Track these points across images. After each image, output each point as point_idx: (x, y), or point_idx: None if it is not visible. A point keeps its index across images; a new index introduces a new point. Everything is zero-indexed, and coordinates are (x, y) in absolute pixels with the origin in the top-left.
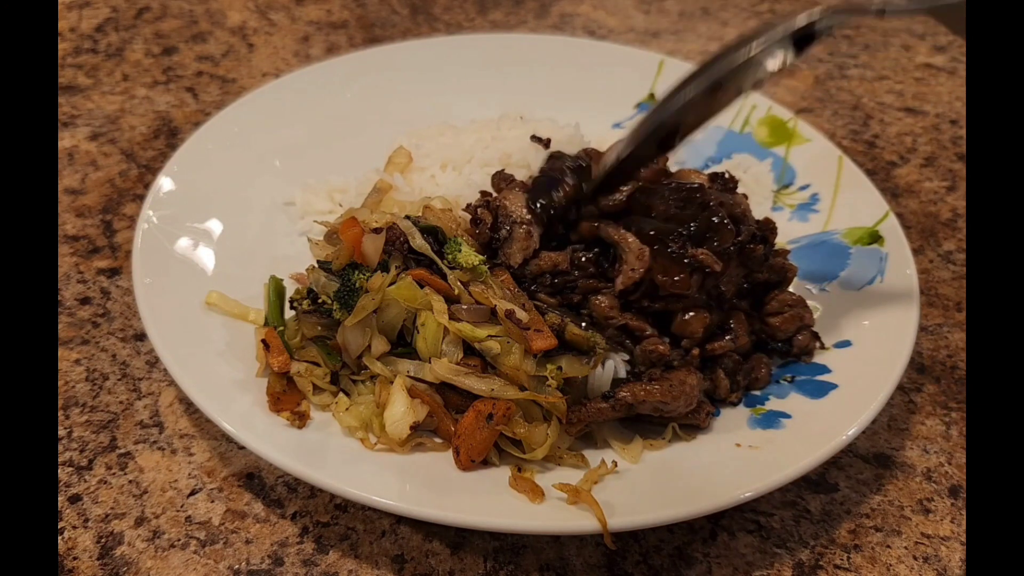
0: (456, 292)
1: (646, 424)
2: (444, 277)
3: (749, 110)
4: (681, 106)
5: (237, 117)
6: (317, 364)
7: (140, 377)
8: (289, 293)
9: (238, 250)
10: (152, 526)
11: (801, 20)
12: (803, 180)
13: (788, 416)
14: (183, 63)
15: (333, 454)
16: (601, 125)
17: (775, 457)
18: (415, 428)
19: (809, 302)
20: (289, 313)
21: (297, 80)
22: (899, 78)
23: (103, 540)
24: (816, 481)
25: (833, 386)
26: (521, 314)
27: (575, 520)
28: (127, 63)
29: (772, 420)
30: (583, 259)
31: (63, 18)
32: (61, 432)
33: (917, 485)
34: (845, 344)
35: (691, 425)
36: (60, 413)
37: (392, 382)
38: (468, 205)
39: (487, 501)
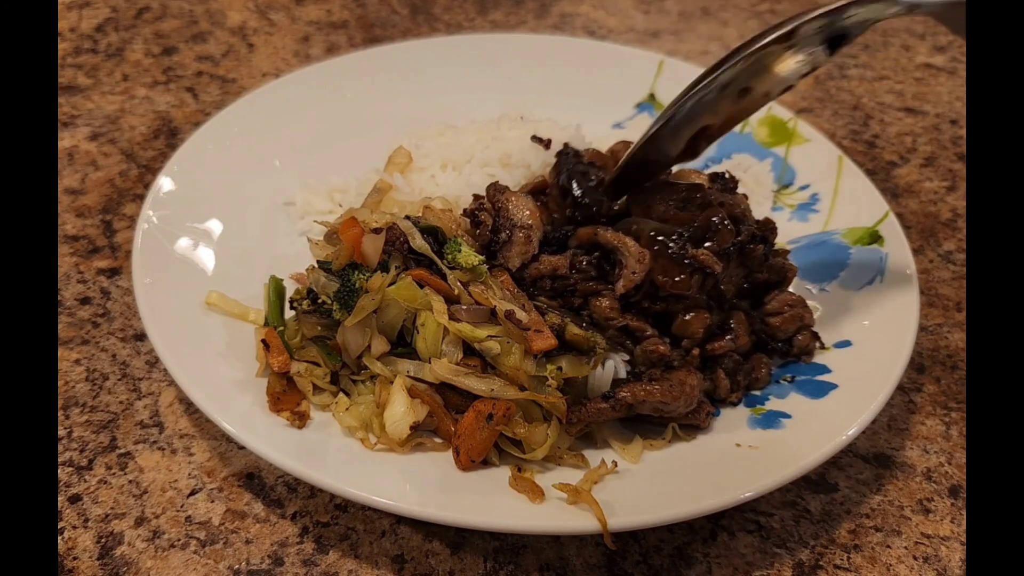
0: (456, 292)
1: (646, 424)
2: (444, 277)
3: None
4: (706, 107)
5: (237, 117)
6: (317, 364)
7: (140, 377)
8: (289, 293)
9: (238, 250)
10: (152, 526)
11: (832, 14)
12: (803, 180)
13: (788, 416)
14: (183, 63)
15: (333, 454)
16: (601, 125)
17: (775, 457)
18: (415, 428)
19: (809, 302)
20: (289, 313)
21: (297, 80)
22: (899, 78)
23: (103, 540)
24: (816, 481)
25: (833, 386)
26: (521, 314)
27: (575, 520)
28: (127, 63)
29: (772, 420)
30: (583, 263)
31: (63, 18)
32: (61, 432)
33: (917, 485)
34: (845, 344)
35: (691, 425)
36: (60, 413)
37: (392, 382)
38: (465, 210)
39: (487, 501)
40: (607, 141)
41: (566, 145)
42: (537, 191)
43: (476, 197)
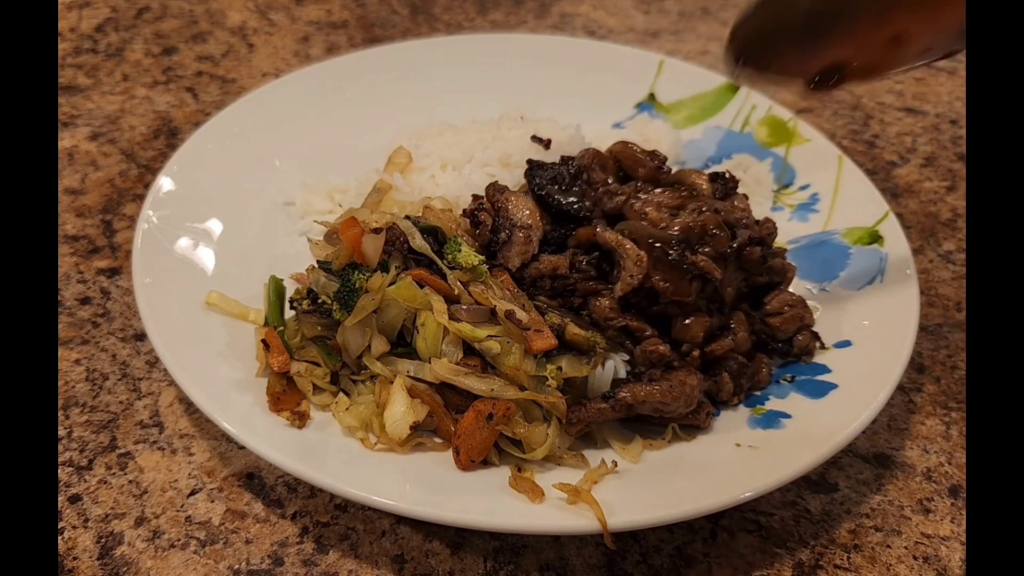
0: (456, 292)
1: (646, 424)
2: (444, 277)
3: (749, 110)
4: None
5: (237, 117)
6: (317, 364)
7: (140, 377)
8: (289, 293)
9: (238, 250)
10: (152, 526)
11: None
12: (803, 180)
13: (788, 416)
14: (183, 63)
15: (333, 454)
16: (601, 125)
17: (775, 457)
18: (415, 428)
19: (809, 302)
20: (289, 313)
21: (297, 80)
22: (899, 78)
23: (103, 540)
24: (816, 481)
25: (833, 386)
26: (521, 314)
27: (575, 520)
28: (127, 63)
29: (772, 420)
30: (583, 263)
31: (63, 18)
32: (61, 432)
33: (917, 485)
34: (845, 344)
35: (691, 425)
36: (60, 413)
37: (392, 382)
38: (465, 210)
39: (487, 501)
40: (607, 141)
41: (529, 162)
42: None
43: (475, 197)
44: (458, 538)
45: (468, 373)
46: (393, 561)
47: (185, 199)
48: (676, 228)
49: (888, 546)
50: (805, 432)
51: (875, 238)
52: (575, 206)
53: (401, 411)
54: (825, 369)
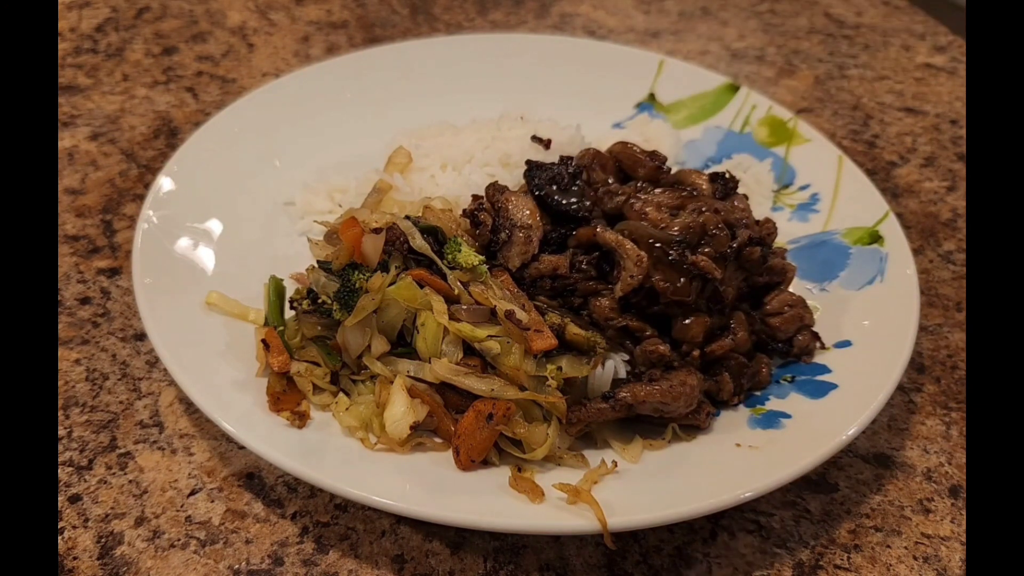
0: (456, 292)
1: (646, 424)
2: (444, 277)
3: (749, 110)
4: None
5: (237, 117)
6: (317, 364)
7: (140, 377)
8: (289, 293)
9: (238, 250)
10: (152, 526)
11: None
12: (803, 180)
13: (788, 416)
14: (183, 63)
15: (333, 454)
16: (601, 125)
17: (775, 457)
18: (415, 428)
19: (809, 302)
20: (289, 313)
21: (297, 80)
22: (899, 78)
23: (103, 540)
24: (816, 481)
25: (833, 386)
26: (521, 314)
27: (575, 520)
28: (127, 63)
29: (772, 420)
30: (583, 263)
31: (63, 18)
32: (61, 432)
33: (917, 485)
34: (845, 344)
35: (691, 425)
36: (60, 413)
37: (392, 382)
38: (465, 210)
39: (487, 501)
40: (607, 141)
41: (527, 163)
42: None
43: (475, 197)
44: (458, 538)
45: (468, 373)
46: (393, 561)
47: (185, 199)
48: (676, 228)
49: (888, 546)
50: (805, 432)
51: (875, 238)
52: (574, 206)
53: (401, 411)
54: (825, 369)
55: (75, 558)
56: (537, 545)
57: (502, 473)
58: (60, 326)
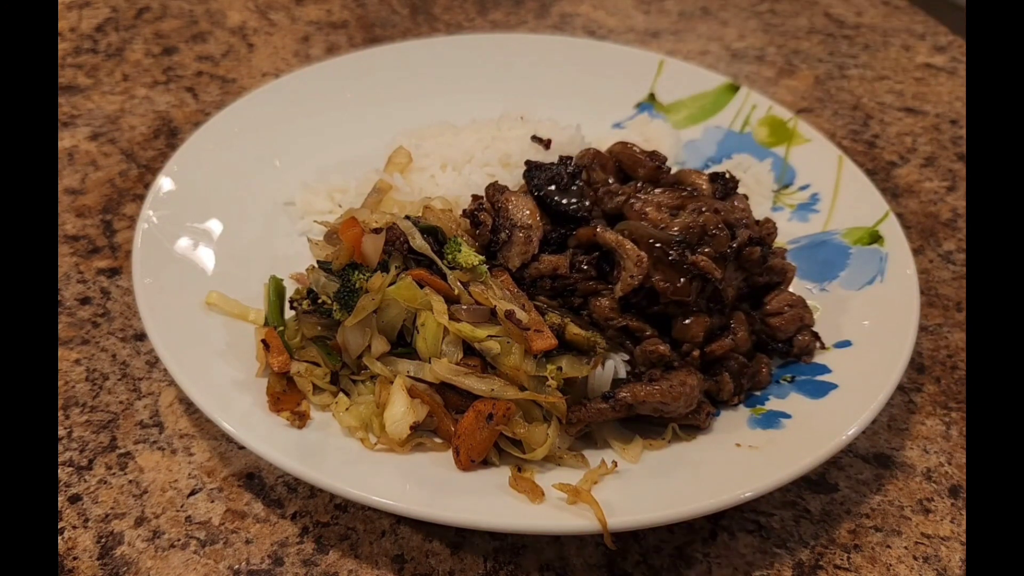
0: (456, 292)
1: (646, 424)
2: (444, 277)
3: (749, 110)
4: None
5: (237, 117)
6: (317, 364)
7: (140, 377)
8: (289, 293)
9: (238, 250)
10: (152, 526)
11: None
12: (803, 180)
13: (788, 416)
14: (183, 63)
15: (333, 454)
16: (601, 125)
17: (775, 457)
18: (415, 428)
19: (809, 302)
20: (289, 313)
21: (297, 80)
22: (899, 78)
23: (103, 540)
24: (816, 481)
25: (833, 386)
26: (521, 314)
27: (575, 520)
28: (127, 63)
29: (772, 420)
30: (583, 263)
31: (63, 18)
32: (61, 432)
33: (917, 485)
34: (845, 344)
35: (691, 425)
36: (60, 413)
37: (392, 382)
38: (465, 210)
39: (487, 501)
40: (607, 141)
41: (527, 163)
42: None
43: (475, 197)
44: (458, 538)
45: (468, 373)
46: (393, 561)
47: (185, 199)
48: (676, 228)
49: (888, 546)
50: (805, 432)
51: (875, 238)
52: (573, 206)
53: (401, 411)
54: (825, 369)
55: (75, 558)
56: (537, 545)
57: (502, 473)
58: (60, 326)
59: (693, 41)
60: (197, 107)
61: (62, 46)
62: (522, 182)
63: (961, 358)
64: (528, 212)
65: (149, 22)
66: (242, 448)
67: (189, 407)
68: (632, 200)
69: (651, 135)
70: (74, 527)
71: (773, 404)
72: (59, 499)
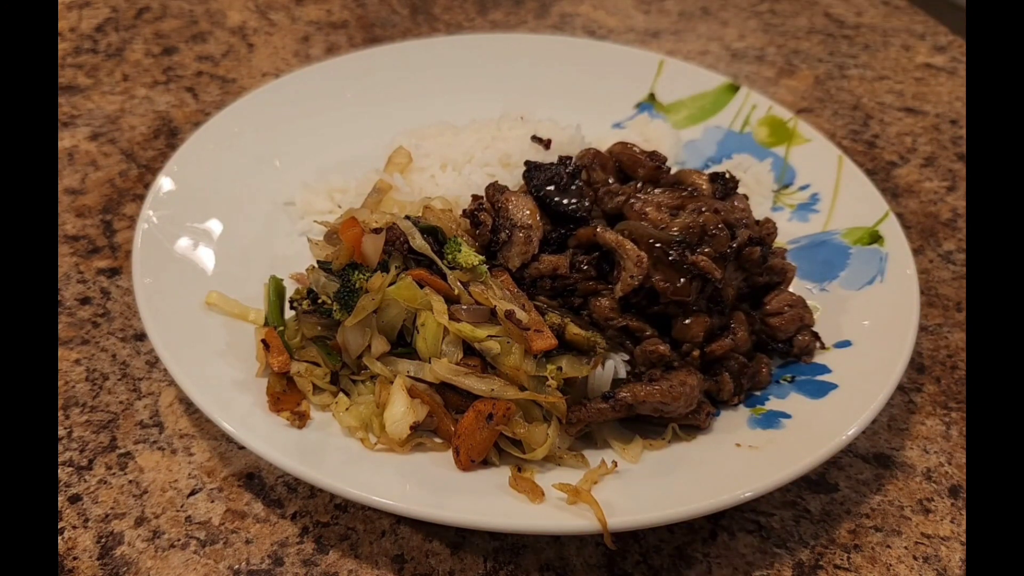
0: (456, 292)
1: (646, 424)
2: (444, 277)
3: (749, 110)
4: None
5: (237, 117)
6: (317, 364)
7: (140, 377)
8: (289, 293)
9: (238, 250)
10: (152, 526)
11: None
12: (803, 180)
13: (788, 416)
14: (183, 63)
15: (333, 454)
16: (601, 125)
17: (775, 457)
18: (415, 428)
19: (809, 302)
20: (289, 313)
21: (297, 80)
22: (899, 78)
23: (103, 540)
24: (816, 481)
25: (833, 386)
26: (521, 314)
27: (575, 520)
28: (127, 63)
29: (772, 420)
30: (583, 263)
31: (63, 18)
32: (61, 432)
33: (917, 485)
34: (845, 344)
35: (691, 425)
36: (60, 413)
37: (392, 382)
38: (465, 210)
39: (487, 501)
40: (607, 141)
41: (526, 163)
42: None
43: (475, 197)
44: (458, 538)
45: (468, 373)
46: (393, 561)
47: (185, 199)
48: (676, 228)
49: (888, 546)
50: (805, 432)
51: (875, 238)
52: (573, 206)
53: (401, 411)
54: (825, 369)
55: (75, 558)
56: (537, 545)
57: (502, 473)
58: (60, 326)
59: (693, 41)
60: (197, 107)
61: (62, 46)
62: (522, 182)
63: (961, 358)
64: (528, 212)
65: (149, 22)
66: (242, 448)
67: (189, 407)
68: (632, 200)
69: (651, 135)
70: (74, 527)
71: (773, 404)
72: (59, 499)
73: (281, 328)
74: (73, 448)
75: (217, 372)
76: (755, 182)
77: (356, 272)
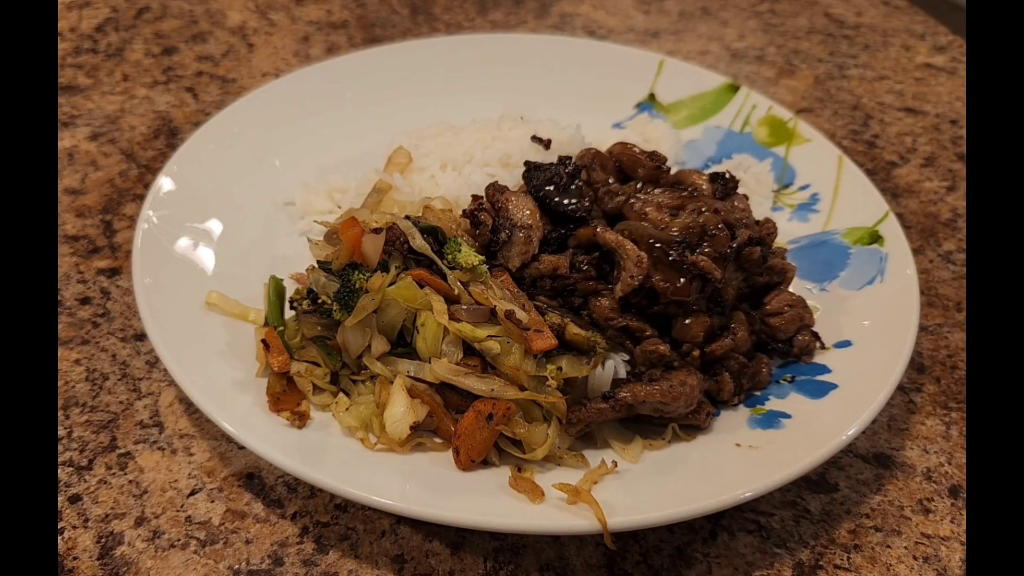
0: (456, 292)
1: (646, 424)
2: (444, 277)
3: (749, 110)
4: None
5: (237, 117)
6: (317, 364)
7: (140, 377)
8: (289, 293)
9: (238, 250)
10: (152, 526)
11: None
12: (803, 180)
13: (788, 416)
14: (183, 63)
15: (333, 454)
16: (601, 125)
17: (775, 457)
18: (415, 428)
19: (809, 302)
20: (289, 313)
21: (297, 80)
22: (899, 78)
23: (103, 540)
24: (816, 481)
25: (833, 386)
26: (521, 314)
27: (575, 520)
28: (127, 63)
29: (772, 420)
30: (583, 263)
31: (63, 18)
32: (61, 432)
33: (917, 485)
34: (845, 344)
35: (691, 425)
36: (60, 413)
37: (392, 382)
38: (465, 211)
39: (487, 501)
40: (607, 141)
41: (526, 163)
42: None
43: (475, 197)
44: (458, 538)
45: (468, 373)
46: (393, 561)
47: (185, 199)
48: (676, 228)
49: (888, 546)
50: (805, 432)
51: (875, 238)
52: (573, 206)
53: (401, 411)
54: (825, 369)
55: (75, 558)
56: (537, 545)
57: (502, 473)
58: (60, 326)
59: (693, 41)
60: (197, 107)
61: (62, 46)
62: (522, 182)
63: (961, 358)
64: (528, 212)
65: (149, 22)
66: (242, 448)
67: (189, 407)
68: (632, 200)
69: (651, 135)
70: (74, 527)
71: (773, 404)
72: (59, 499)
73: (281, 328)
74: (73, 448)
75: (217, 372)
76: (755, 182)
77: (356, 272)
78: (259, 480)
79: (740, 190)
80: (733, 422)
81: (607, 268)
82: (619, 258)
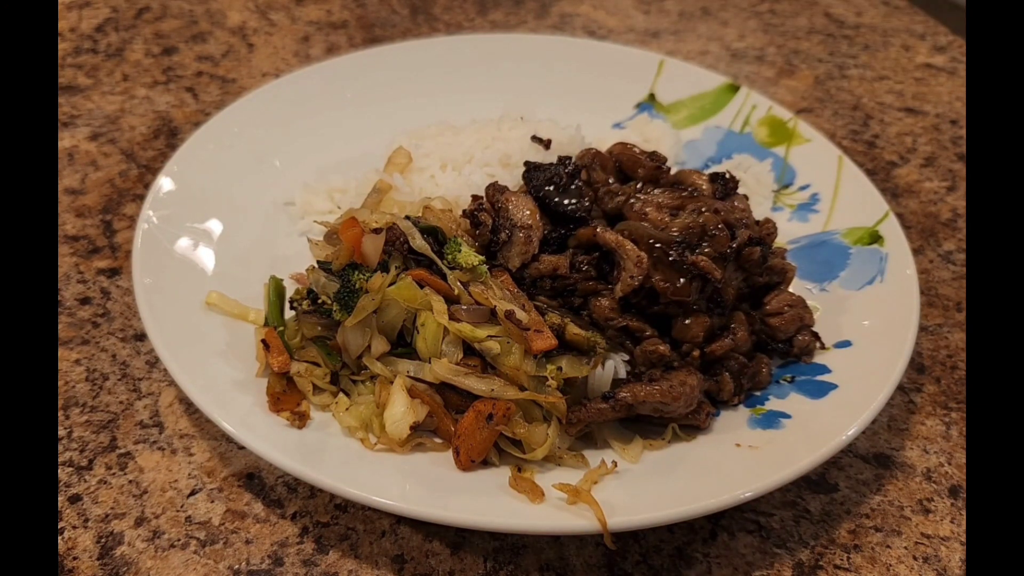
0: (456, 292)
1: (646, 424)
2: (444, 277)
3: (749, 110)
4: None
5: (237, 117)
6: (317, 364)
7: (140, 377)
8: (289, 293)
9: (238, 250)
10: (152, 526)
11: None
12: (803, 180)
13: (788, 416)
14: (183, 63)
15: (333, 454)
16: (601, 125)
17: (775, 457)
18: (415, 428)
19: (809, 302)
20: (289, 313)
21: (297, 80)
22: (899, 78)
23: (103, 540)
24: (816, 481)
25: (833, 386)
26: (521, 314)
27: (575, 520)
28: (127, 63)
29: (772, 420)
30: (583, 263)
31: (63, 18)
32: (61, 432)
33: (917, 485)
34: (845, 344)
35: (691, 425)
36: (60, 413)
37: (392, 382)
38: (465, 211)
39: (487, 501)
40: (607, 141)
41: (526, 163)
42: None
43: (475, 197)
44: (458, 538)
45: (468, 373)
46: (393, 561)
47: (185, 199)
48: (676, 228)
49: (888, 546)
50: (805, 432)
51: (875, 238)
52: (572, 207)
53: (401, 411)
54: (825, 369)
55: (75, 558)
56: (537, 545)
57: (502, 473)
58: (60, 326)
59: (693, 41)
60: (197, 107)
61: (62, 46)
62: (522, 182)
63: (961, 358)
64: (528, 212)
65: (149, 22)
66: (242, 448)
67: (189, 407)
68: (632, 200)
69: (651, 135)
70: (74, 527)
71: (773, 404)
72: (59, 499)
73: (281, 328)
74: (73, 448)
75: (217, 372)
76: (755, 182)
77: (356, 272)
78: (259, 480)
79: (740, 190)
80: (733, 422)
81: (607, 268)
82: (619, 258)
